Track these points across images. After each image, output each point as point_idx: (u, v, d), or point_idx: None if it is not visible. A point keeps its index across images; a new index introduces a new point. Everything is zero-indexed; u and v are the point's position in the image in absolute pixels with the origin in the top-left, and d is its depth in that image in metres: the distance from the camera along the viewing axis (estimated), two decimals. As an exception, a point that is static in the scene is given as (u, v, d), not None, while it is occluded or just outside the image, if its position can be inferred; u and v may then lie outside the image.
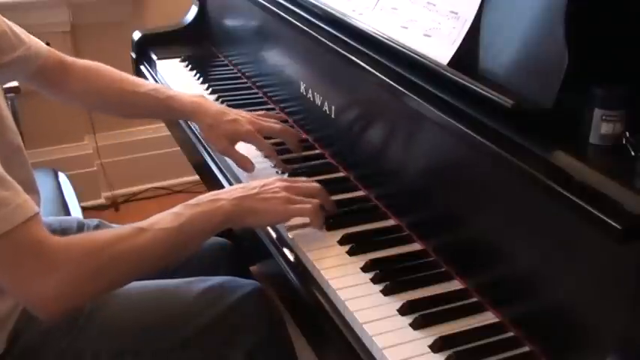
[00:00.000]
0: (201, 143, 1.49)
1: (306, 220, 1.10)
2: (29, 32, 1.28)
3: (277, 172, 1.30)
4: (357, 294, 0.99)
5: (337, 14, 1.27)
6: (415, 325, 0.93)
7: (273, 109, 1.59)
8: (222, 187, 1.34)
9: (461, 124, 0.94)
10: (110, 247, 0.96)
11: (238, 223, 1.08)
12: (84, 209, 1.79)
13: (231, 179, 1.34)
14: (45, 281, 0.90)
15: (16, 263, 0.89)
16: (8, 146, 1.06)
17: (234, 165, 1.33)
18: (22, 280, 0.90)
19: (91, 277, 0.94)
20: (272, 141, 1.35)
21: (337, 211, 1.16)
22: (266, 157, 1.34)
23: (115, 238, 0.97)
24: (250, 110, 1.57)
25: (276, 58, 1.60)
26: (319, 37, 1.29)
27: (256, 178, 1.26)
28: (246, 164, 1.29)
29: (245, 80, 1.76)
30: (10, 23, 1.21)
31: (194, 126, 1.56)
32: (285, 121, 1.46)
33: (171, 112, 1.38)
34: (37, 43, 1.27)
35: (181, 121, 1.61)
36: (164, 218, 1.01)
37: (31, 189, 1.13)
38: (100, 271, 0.94)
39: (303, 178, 1.20)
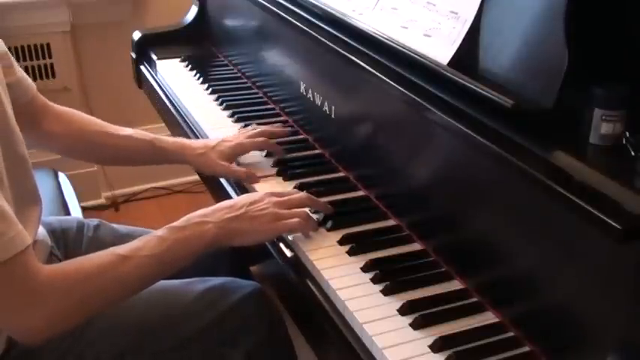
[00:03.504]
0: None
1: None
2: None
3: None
4: (357, 294, 0.99)
5: (337, 14, 1.27)
6: (415, 325, 0.93)
7: (273, 109, 1.59)
8: (221, 186, 1.34)
9: (461, 124, 0.94)
10: (95, 277, 0.96)
11: (226, 244, 1.08)
12: (84, 209, 1.79)
13: (231, 179, 1.34)
14: (31, 312, 0.91)
15: (3, 294, 0.90)
16: (16, 158, 1.06)
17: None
18: (8, 311, 0.91)
19: (76, 307, 0.95)
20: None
21: (333, 211, 1.16)
22: (266, 151, 1.37)
23: (100, 268, 0.97)
24: (249, 109, 1.58)
25: (276, 58, 1.60)
26: (319, 37, 1.29)
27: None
28: (250, 177, 1.28)
29: (245, 80, 1.76)
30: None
31: (194, 126, 1.57)
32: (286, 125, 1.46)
33: (158, 153, 1.34)
34: (29, 79, 1.24)
35: (181, 122, 1.61)
36: (148, 243, 1.01)
37: (34, 200, 1.13)
38: (85, 301, 0.96)
39: (292, 190, 1.20)
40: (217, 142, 1.33)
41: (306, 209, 1.13)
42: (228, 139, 1.34)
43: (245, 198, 1.12)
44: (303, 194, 1.15)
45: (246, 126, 1.49)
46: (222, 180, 1.35)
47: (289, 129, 1.45)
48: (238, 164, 1.33)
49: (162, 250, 1.00)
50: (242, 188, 1.30)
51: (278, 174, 1.31)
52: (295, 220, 1.09)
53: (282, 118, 1.54)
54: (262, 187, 1.25)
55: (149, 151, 1.33)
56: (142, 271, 1.00)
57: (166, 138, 1.35)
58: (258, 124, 1.49)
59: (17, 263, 0.89)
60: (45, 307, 0.92)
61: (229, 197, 1.30)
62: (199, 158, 1.32)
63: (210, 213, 1.06)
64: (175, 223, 1.05)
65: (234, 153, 1.32)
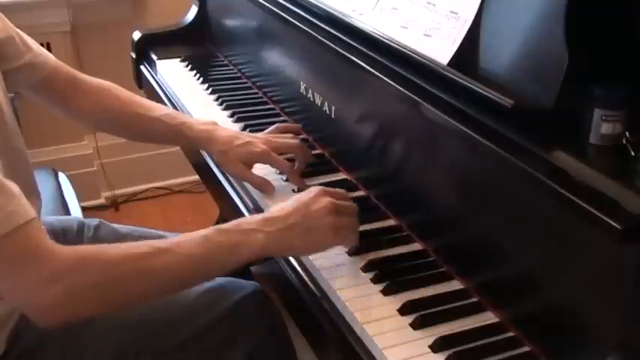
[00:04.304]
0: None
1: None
2: (29, 32, 1.27)
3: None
4: (357, 294, 0.99)
5: (337, 14, 1.27)
6: (415, 325, 0.93)
7: (273, 109, 1.59)
8: (222, 187, 1.34)
9: (461, 124, 0.94)
10: (125, 263, 0.91)
11: (277, 255, 1.02)
12: (84, 209, 1.79)
13: (231, 179, 1.34)
14: (47, 289, 0.87)
15: (14, 269, 0.86)
16: (12, 151, 1.06)
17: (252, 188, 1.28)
18: (20, 287, 0.87)
19: (99, 291, 0.90)
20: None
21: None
22: (281, 174, 1.29)
23: (132, 255, 0.92)
24: (249, 109, 1.58)
25: (276, 58, 1.60)
26: (319, 37, 1.29)
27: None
28: (265, 187, 1.24)
29: (245, 80, 1.76)
30: (19, 31, 1.19)
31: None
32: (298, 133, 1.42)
33: (181, 139, 1.33)
34: (46, 52, 1.25)
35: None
36: (190, 241, 0.95)
37: (33, 193, 1.13)
38: (109, 286, 0.90)
39: (342, 190, 1.09)
40: (242, 142, 1.26)
41: (357, 225, 1.05)
42: (254, 143, 1.26)
43: (300, 201, 1.01)
44: (354, 204, 1.07)
45: (246, 127, 1.49)
46: (223, 181, 1.35)
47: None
48: None
49: (203, 250, 0.94)
50: (243, 188, 1.30)
51: (279, 173, 1.30)
52: (353, 235, 1.03)
53: (282, 118, 1.54)
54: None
55: (175, 135, 1.32)
56: (176, 269, 0.93)
57: (195, 124, 1.32)
58: (258, 124, 1.50)
59: (22, 236, 0.86)
60: (62, 284, 0.87)
61: (230, 198, 1.31)
62: (219, 154, 1.28)
63: (262, 221, 0.99)
64: (224, 226, 0.98)
65: (254, 160, 1.27)
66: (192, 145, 1.36)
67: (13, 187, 0.89)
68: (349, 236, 1.03)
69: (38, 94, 1.27)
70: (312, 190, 1.03)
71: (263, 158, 1.26)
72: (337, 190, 1.08)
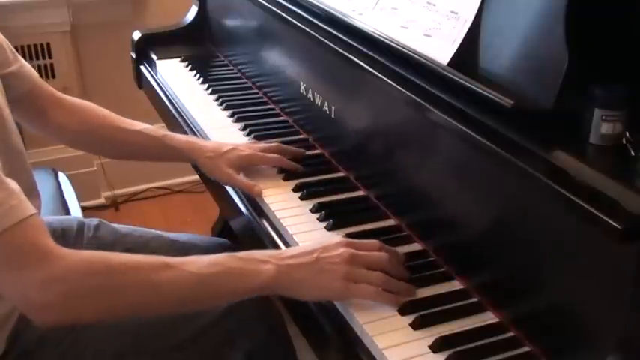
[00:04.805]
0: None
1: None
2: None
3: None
4: (357, 294, 0.99)
5: (337, 14, 1.27)
6: (415, 325, 0.93)
7: (273, 109, 1.59)
8: (222, 187, 1.34)
9: (461, 124, 0.94)
10: (130, 272, 0.91)
11: (286, 292, 0.97)
12: (84, 209, 1.79)
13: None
14: (48, 288, 0.86)
15: (14, 265, 0.86)
16: (11, 150, 1.06)
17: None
18: (20, 283, 0.87)
19: (101, 296, 0.90)
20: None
21: (414, 295, 0.98)
22: (275, 167, 1.30)
23: (139, 265, 0.92)
24: (249, 109, 1.58)
25: (276, 58, 1.60)
26: (319, 37, 1.30)
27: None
28: (252, 189, 1.24)
29: (245, 80, 1.76)
30: (8, 42, 1.19)
31: (194, 126, 1.57)
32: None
33: (167, 151, 1.33)
34: (31, 68, 1.25)
35: (181, 122, 1.61)
36: (198, 261, 0.95)
37: (32, 193, 1.13)
38: (112, 293, 0.90)
39: (369, 242, 1.02)
40: (229, 148, 1.30)
41: (383, 277, 0.97)
42: (240, 148, 1.30)
43: (319, 244, 0.99)
44: (383, 254, 0.99)
45: (246, 127, 1.49)
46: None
47: (304, 151, 1.37)
48: None
49: (210, 272, 0.93)
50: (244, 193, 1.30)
51: (278, 172, 1.30)
52: (370, 289, 0.95)
53: (282, 118, 1.54)
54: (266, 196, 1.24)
55: (158, 148, 1.32)
56: (179, 286, 0.92)
57: (177, 136, 1.34)
58: (258, 124, 1.50)
59: (21, 233, 0.86)
60: (62, 284, 0.87)
61: (230, 198, 1.31)
62: (207, 162, 1.30)
63: (277, 254, 0.98)
64: (237, 253, 0.98)
65: (243, 163, 1.29)
66: (177, 155, 1.34)
67: (13, 184, 0.89)
68: (364, 291, 0.95)
69: (18, 108, 1.24)
70: (337, 238, 1.01)
71: (252, 159, 1.29)
72: (368, 242, 1.02)
